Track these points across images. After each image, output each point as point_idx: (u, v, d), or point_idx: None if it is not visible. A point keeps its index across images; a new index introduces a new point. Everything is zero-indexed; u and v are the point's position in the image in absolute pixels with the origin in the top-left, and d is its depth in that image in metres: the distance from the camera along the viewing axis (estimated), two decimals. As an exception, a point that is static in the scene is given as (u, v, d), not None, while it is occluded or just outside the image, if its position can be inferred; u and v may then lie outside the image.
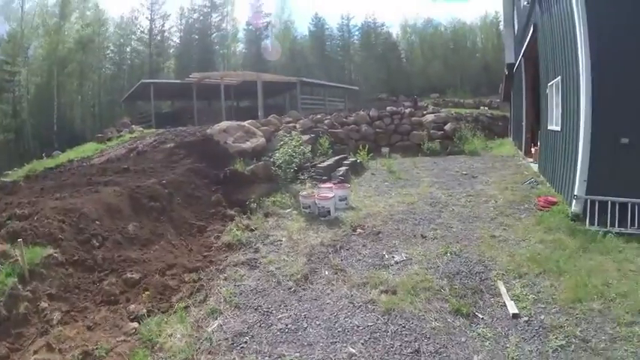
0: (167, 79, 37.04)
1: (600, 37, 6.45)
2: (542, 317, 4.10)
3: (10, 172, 16.91)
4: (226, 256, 6.21)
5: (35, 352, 4.15)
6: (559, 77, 8.37)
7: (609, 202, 6.43)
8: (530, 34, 11.64)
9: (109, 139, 19.94)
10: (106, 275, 5.60)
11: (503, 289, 4.70)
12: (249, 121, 13.34)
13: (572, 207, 6.87)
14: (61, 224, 6.23)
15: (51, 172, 13.30)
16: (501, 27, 41.48)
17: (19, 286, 4.84)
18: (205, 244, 6.89)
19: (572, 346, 3.62)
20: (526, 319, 4.10)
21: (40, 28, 41.46)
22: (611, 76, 6.45)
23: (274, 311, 4.56)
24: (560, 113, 8.36)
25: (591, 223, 6.44)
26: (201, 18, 54.61)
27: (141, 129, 21.75)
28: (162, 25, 52.12)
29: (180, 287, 5.41)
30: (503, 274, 5.15)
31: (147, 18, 50.69)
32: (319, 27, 59.73)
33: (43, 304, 4.75)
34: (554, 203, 7.63)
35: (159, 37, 51.55)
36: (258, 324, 4.32)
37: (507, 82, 21.07)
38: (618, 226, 6.26)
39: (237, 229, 7.03)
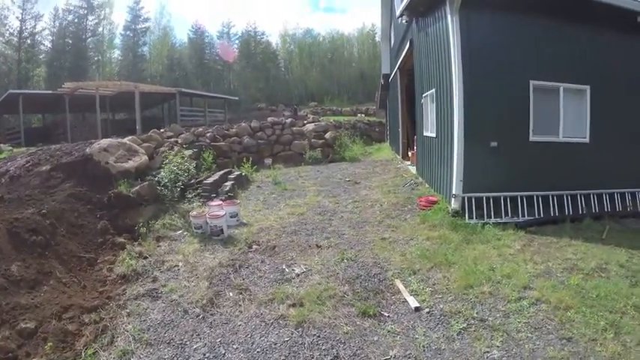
0: (37, 90, 33.30)
1: (470, 56, 7.40)
2: (441, 306, 4.49)
3: None
4: (124, 289, 5.76)
5: None
6: (434, 89, 9.24)
7: (484, 198, 7.39)
8: (406, 49, 12.56)
9: None
10: None
11: (401, 287, 5.01)
12: (130, 137, 12.54)
13: (452, 204, 7.61)
14: None
15: None
16: (377, 39, 44.31)
17: None
18: (99, 278, 6.30)
19: (473, 327, 4.04)
20: (427, 310, 4.45)
21: None
22: (479, 89, 7.44)
23: (188, 342, 4.35)
24: (435, 121, 9.22)
25: (470, 217, 7.26)
26: (76, 20, 49.37)
27: (10, 148, 19.26)
28: (34, 27, 46.00)
29: (81, 331, 4.88)
30: (398, 272, 5.49)
31: (17, 18, 44.34)
32: (199, 34, 58.52)
33: None
34: (434, 202, 8.28)
35: (29, 41, 45.49)
36: (175, 359, 4.10)
37: (383, 91, 22.49)
38: (494, 217, 7.26)
39: (130, 258, 6.55)
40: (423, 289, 4.95)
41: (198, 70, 55.15)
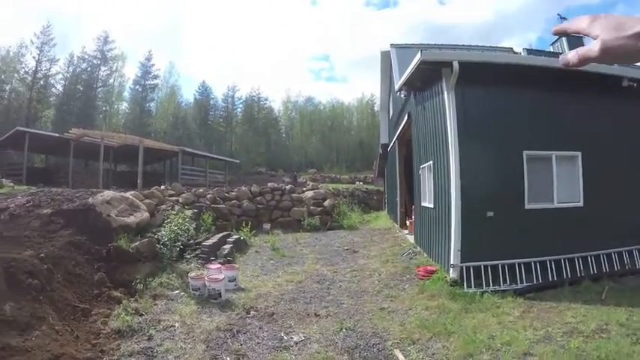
0: (44, 130, 33.65)
1: (466, 129, 7.81)
2: (441, 376, 4.45)
3: None
4: (118, 345, 5.67)
5: None
6: (431, 161, 9.56)
7: (482, 266, 7.47)
8: (404, 121, 13.04)
9: None
10: None
11: (400, 356, 4.97)
12: (132, 192, 12.71)
13: (450, 274, 7.66)
14: None
15: None
16: (376, 108, 45.77)
17: None
18: (92, 330, 6.21)
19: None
20: (427, 380, 4.40)
21: None
22: (475, 161, 7.74)
23: None
24: (433, 192, 9.47)
25: (469, 286, 7.30)
26: (89, 69, 50.94)
27: (12, 184, 19.32)
28: (49, 70, 47.31)
29: None
30: (398, 342, 5.45)
31: (34, 58, 45.88)
32: (205, 95, 60.24)
33: None
34: (433, 272, 8.33)
35: (42, 82, 46.65)
36: None
37: (382, 160, 22.96)
38: (492, 285, 7.30)
39: (125, 314, 6.47)
40: (422, 358, 4.92)
41: (201, 129, 56.42)
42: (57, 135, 26.24)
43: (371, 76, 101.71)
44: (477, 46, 17.59)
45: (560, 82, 7.98)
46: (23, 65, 45.70)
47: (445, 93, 7.96)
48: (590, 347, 4.75)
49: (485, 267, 7.47)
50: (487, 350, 4.93)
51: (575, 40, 17.74)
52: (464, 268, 7.49)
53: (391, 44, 17.33)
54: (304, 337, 5.84)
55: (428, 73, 8.85)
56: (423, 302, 6.95)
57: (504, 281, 7.40)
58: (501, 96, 8.16)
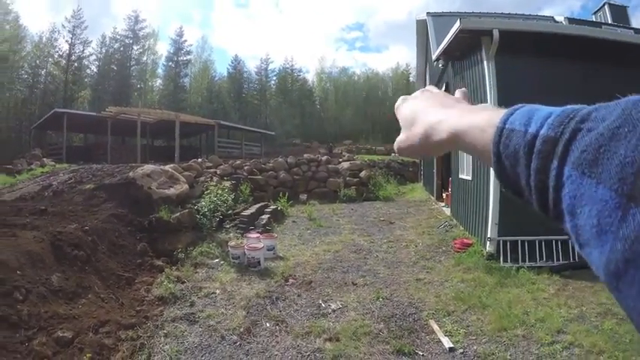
0: (81, 110, 34.75)
1: (505, 99, 7.41)
2: (475, 347, 4.53)
3: None
4: (161, 311, 5.94)
5: None
6: (470, 132, 9.30)
7: (519, 241, 7.38)
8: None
9: (19, 172, 18.19)
10: (35, 334, 5.13)
11: (436, 327, 5.05)
12: (171, 165, 13.02)
13: (487, 248, 7.63)
14: (-24, 274, 5.70)
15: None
16: (412, 79, 44.76)
17: None
18: (136, 297, 6.52)
19: (506, 369, 4.03)
20: (461, 351, 4.49)
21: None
22: None
23: None
24: (471, 164, 9.31)
25: (505, 261, 7.27)
26: (122, 49, 51.70)
27: (53, 163, 20.17)
28: (82, 52, 48.53)
29: (118, 346, 5.07)
30: (433, 313, 5.53)
31: (67, 41, 47.06)
32: (238, 69, 59.92)
33: (-39, 370, 4.29)
34: (469, 245, 8.30)
35: (76, 64, 47.85)
36: None
37: (417, 131, 22.49)
38: (528, 261, 7.22)
39: (168, 282, 6.75)
40: (457, 330, 4.99)
41: (235, 103, 56.45)
42: (94, 114, 26.97)
43: (406, 45, 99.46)
44: (516, 14, 16.92)
45: (605, 53, 7.63)
46: (57, 49, 46.82)
47: (484, 62, 7.75)
48: (623, 330, 4.69)
49: (522, 242, 7.38)
50: (521, 325, 4.95)
51: (618, 9, 16.87)
52: (500, 242, 7.44)
53: (427, 13, 16.83)
54: (341, 305, 5.97)
55: (467, 42, 8.61)
56: (458, 275, 6.98)
57: (540, 257, 7.28)
58: (542, 66, 7.83)
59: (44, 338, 5.04)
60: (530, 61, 7.88)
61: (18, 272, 5.97)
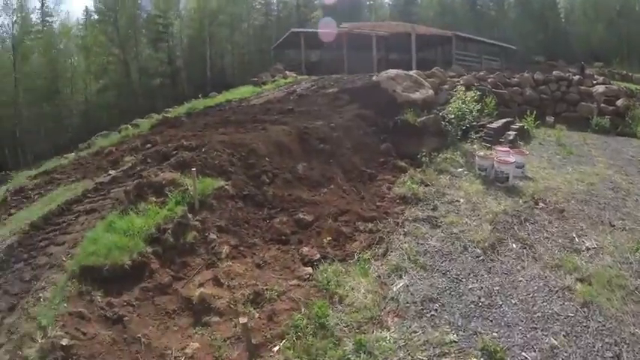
0: (315, 29, 37.08)
1: None
2: None
3: (170, 109, 18.00)
4: (402, 210, 5.87)
5: (201, 285, 4.06)
6: None
7: None
8: None
9: (264, 83, 20.39)
10: (277, 213, 5.56)
11: None
12: (415, 71, 12.72)
13: None
14: (231, 157, 6.31)
15: (211, 109, 13.88)
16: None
17: (189, 215, 4.82)
18: (377, 193, 6.58)
19: None
20: None
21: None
22: None
23: (464, 279, 4.24)
24: None
25: None
26: None
27: (294, 75, 22.07)
28: None
29: (354, 236, 5.15)
30: None
31: None
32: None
33: (212, 236, 4.73)
34: None
35: None
36: (448, 291, 4.05)
37: None
38: None
39: (411, 182, 6.66)
40: None
41: (469, 15, 52.16)
42: (328, 30, 27.88)
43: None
44: None
45: None
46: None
47: None
48: None
49: None
50: None
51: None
52: None
53: None
54: (596, 245, 5.26)
55: None
56: None
57: None
58: None
59: (285, 218, 5.38)
60: None
61: (266, 159, 6.54)
